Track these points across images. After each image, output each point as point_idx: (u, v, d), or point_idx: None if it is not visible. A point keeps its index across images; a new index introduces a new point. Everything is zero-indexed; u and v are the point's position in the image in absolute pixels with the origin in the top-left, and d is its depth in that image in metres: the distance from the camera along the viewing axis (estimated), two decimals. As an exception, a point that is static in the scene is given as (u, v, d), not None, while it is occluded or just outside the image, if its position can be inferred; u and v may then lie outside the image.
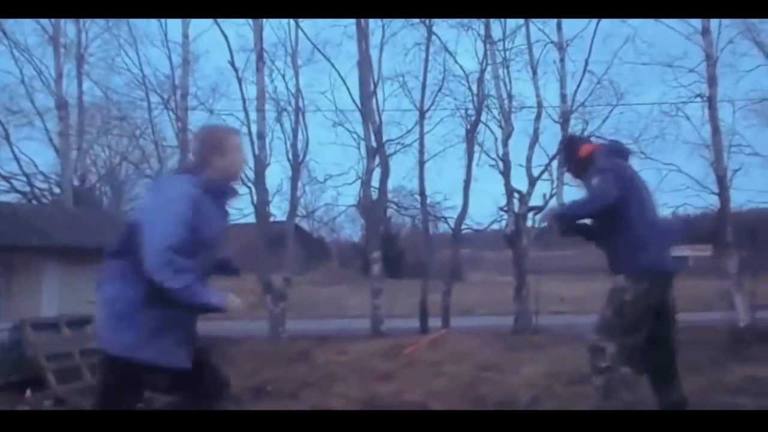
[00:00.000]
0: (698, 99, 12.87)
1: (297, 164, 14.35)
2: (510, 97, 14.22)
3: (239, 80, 13.93)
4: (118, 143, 19.79)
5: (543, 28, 13.97)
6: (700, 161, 13.46)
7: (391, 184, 15.75)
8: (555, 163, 13.51)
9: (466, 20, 14.12)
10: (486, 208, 34.60)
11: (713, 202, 12.98)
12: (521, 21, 13.90)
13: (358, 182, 15.13)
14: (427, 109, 14.79)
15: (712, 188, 12.69)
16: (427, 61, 14.36)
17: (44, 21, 14.10)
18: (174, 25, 17.56)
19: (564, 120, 13.67)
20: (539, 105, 14.04)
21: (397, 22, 14.33)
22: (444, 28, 15.32)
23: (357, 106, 14.08)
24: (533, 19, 13.80)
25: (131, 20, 14.74)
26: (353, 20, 13.67)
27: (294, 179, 14.33)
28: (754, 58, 12.91)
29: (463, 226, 15.18)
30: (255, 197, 13.43)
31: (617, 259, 3.56)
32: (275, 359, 8.86)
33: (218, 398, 2.87)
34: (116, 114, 16.91)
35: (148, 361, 2.60)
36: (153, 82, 15.28)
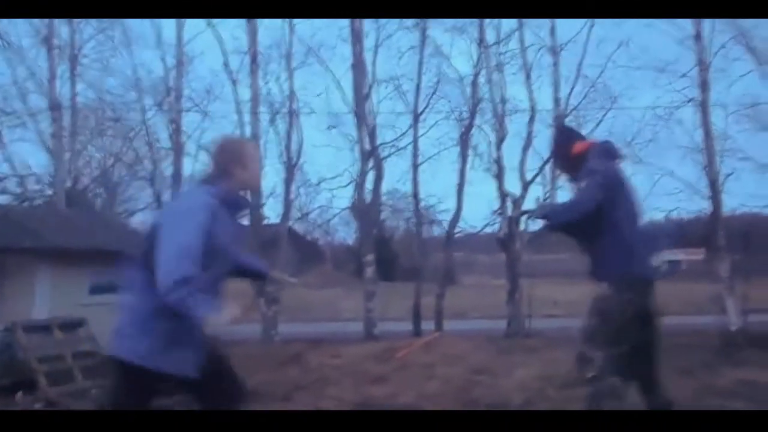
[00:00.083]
0: (691, 103, 12.97)
1: (291, 167, 14.34)
2: (504, 100, 14.28)
3: (233, 82, 13.98)
4: (112, 145, 19.68)
5: (537, 32, 14.06)
6: (693, 165, 13.50)
7: (385, 187, 15.81)
8: (548, 167, 13.56)
9: (460, 24, 14.19)
10: (480, 212, 34.74)
11: (706, 206, 13.09)
12: (515, 25, 13.98)
13: (352, 185, 15.14)
14: (421, 112, 14.81)
15: (704, 192, 12.79)
16: (421, 64, 14.43)
17: (38, 22, 14.07)
18: (168, 27, 17.52)
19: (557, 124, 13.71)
20: (533, 109, 14.12)
21: (392, 25, 14.38)
22: (438, 31, 15.42)
23: (351, 108, 14.12)
24: (527, 23, 13.87)
25: (125, 22, 14.74)
26: (347, 23, 13.71)
27: (288, 182, 14.33)
28: (746, 63, 12.99)
29: (457, 229, 15.24)
30: (249, 200, 13.40)
31: (600, 267, 3.51)
32: (268, 362, 8.83)
33: (237, 404, 2.87)
34: (110, 115, 16.84)
35: (160, 370, 2.62)
36: (147, 83, 15.27)
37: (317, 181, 16.42)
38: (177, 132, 14.13)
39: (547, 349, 8.76)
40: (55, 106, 14.30)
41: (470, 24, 14.15)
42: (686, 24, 12.49)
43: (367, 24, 14.03)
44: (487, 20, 14.06)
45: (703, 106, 12.47)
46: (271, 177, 15.08)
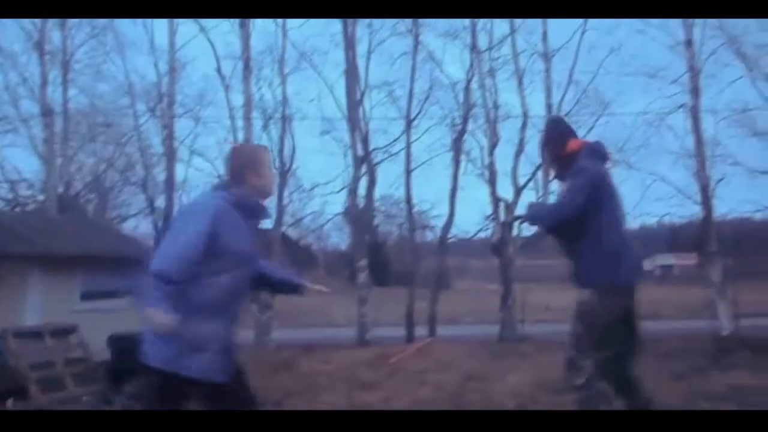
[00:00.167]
0: (682, 109, 13.03)
1: (284, 172, 14.36)
2: (496, 106, 14.34)
3: (226, 88, 13.99)
4: (104, 150, 19.63)
5: (529, 38, 14.12)
6: (684, 171, 13.61)
7: (378, 192, 15.86)
8: (540, 173, 13.61)
9: (452, 29, 14.25)
10: (472, 217, 34.83)
11: (697, 211, 13.13)
12: (507, 30, 14.04)
13: (345, 190, 15.19)
14: (414, 118, 14.89)
15: (695, 197, 12.86)
16: (414, 69, 14.47)
17: (29, 27, 14.03)
18: (160, 32, 17.54)
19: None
20: (525, 114, 14.16)
21: (385, 31, 14.43)
22: (431, 37, 15.44)
23: (344, 114, 14.14)
24: (519, 29, 13.92)
25: (117, 27, 14.72)
26: (340, 28, 13.73)
27: (281, 187, 14.32)
28: (736, 69, 13.07)
29: (450, 235, 15.29)
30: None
31: (583, 273, 3.51)
32: (261, 368, 8.80)
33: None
34: (102, 121, 16.82)
35: (186, 374, 2.64)
36: (139, 89, 15.26)
37: (310, 187, 16.56)
38: (169, 137, 14.11)
39: (540, 354, 8.76)
40: (47, 112, 14.24)
41: (462, 29, 14.26)
42: (677, 30, 12.60)
43: (360, 29, 14.10)
44: (480, 26, 14.15)
45: (694, 112, 12.53)
46: (264, 182, 15.06)
